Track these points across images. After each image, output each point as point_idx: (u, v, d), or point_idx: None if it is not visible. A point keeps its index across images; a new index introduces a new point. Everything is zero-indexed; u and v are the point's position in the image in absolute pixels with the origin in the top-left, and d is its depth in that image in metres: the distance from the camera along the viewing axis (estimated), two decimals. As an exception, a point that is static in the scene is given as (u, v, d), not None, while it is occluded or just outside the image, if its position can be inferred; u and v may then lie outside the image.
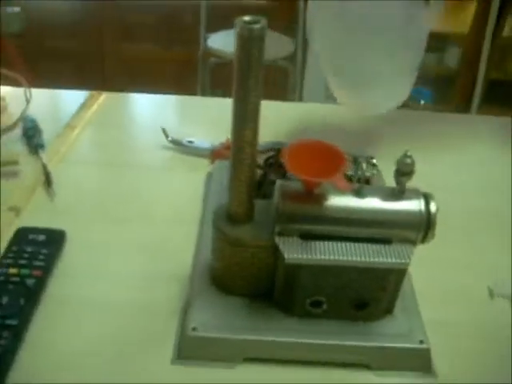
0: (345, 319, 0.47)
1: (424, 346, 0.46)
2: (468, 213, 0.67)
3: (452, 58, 2.45)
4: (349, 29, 0.53)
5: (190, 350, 0.46)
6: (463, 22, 2.35)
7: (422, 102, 2.40)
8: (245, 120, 0.40)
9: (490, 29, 2.17)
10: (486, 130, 0.87)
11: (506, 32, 2.24)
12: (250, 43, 0.36)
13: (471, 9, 2.30)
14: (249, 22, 0.36)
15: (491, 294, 0.55)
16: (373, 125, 0.84)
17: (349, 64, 0.55)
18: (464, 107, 2.34)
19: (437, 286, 0.55)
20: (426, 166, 0.71)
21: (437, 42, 2.44)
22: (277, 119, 0.82)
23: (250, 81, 0.38)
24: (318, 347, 0.46)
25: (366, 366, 0.46)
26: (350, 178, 0.48)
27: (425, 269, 0.54)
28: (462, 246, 0.61)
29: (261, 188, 0.56)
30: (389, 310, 0.48)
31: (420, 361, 0.46)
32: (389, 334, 0.46)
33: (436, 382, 0.46)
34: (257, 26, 0.36)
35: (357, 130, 0.83)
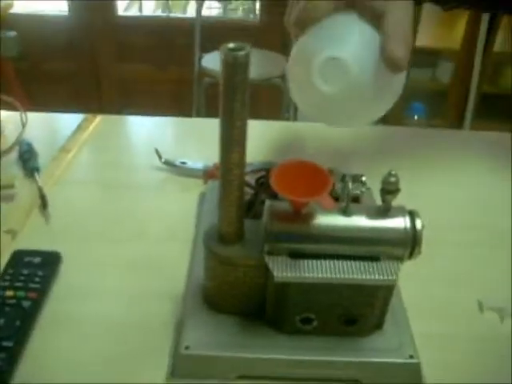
0: (335, 335, 0.48)
1: (414, 360, 0.46)
2: (458, 227, 0.68)
3: (444, 72, 2.48)
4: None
5: (183, 368, 0.46)
6: (455, 37, 2.38)
7: (416, 117, 2.43)
8: (232, 143, 0.41)
9: (481, 43, 2.20)
10: (478, 145, 0.89)
11: (496, 46, 2.27)
12: (234, 69, 0.38)
13: (462, 24, 2.33)
14: (233, 49, 0.38)
15: (481, 307, 0.56)
16: (365, 143, 0.86)
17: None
18: (457, 121, 2.37)
19: (427, 300, 0.56)
20: (417, 182, 0.73)
21: (429, 57, 2.48)
22: (268, 139, 0.83)
23: (235, 105, 0.39)
24: (309, 363, 0.46)
25: (357, 382, 0.47)
26: (337, 197, 0.49)
27: (415, 283, 0.55)
28: (451, 260, 0.62)
29: (252, 208, 0.58)
30: (379, 326, 0.49)
31: (410, 375, 0.47)
32: (379, 349, 0.47)
33: (426, 395, 0.47)
34: (241, 53, 0.37)
35: (349, 149, 0.85)
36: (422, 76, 2.50)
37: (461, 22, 2.34)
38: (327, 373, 0.47)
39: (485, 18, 2.16)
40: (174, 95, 2.66)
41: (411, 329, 0.49)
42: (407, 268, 0.50)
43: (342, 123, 0.56)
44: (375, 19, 0.50)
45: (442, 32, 2.46)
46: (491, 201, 0.73)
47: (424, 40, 2.34)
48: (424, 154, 0.84)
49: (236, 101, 0.39)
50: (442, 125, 2.45)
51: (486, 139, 0.91)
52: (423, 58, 2.43)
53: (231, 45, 0.38)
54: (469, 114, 2.30)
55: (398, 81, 0.52)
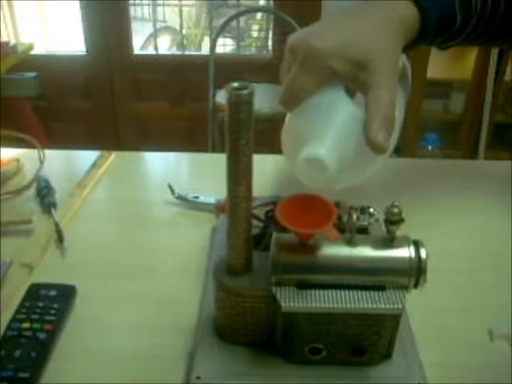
0: (344, 365, 0.48)
1: (423, 388, 0.47)
2: (467, 256, 0.69)
3: (457, 103, 2.50)
4: None
5: (194, 398, 0.47)
6: (466, 68, 2.41)
7: (430, 147, 2.43)
8: (238, 177, 0.43)
9: (492, 74, 2.22)
10: (488, 175, 0.89)
11: (507, 76, 2.29)
12: (238, 107, 0.40)
13: (473, 56, 2.36)
14: (237, 88, 0.40)
15: (491, 335, 0.56)
16: (376, 176, 0.87)
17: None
18: (471, 151, 2.37)
19: (437, 330, 0.56)
20: (426, 212, 0.74)
21: (442, 88, 2.50)
22: (279, 173, 0.85)
23: (240, 142, 0.41)
24: (318, 393, 0.47)
25: (366, 411, 0.47)
26: (344, 229, 0.50)
27: (424, 313, 0.56)
28: (460, 288, 0.63)
29: (261, 241, 0.59)
30: (387, 355, 0.49)
31: (419, 404, 0.47)
32: (388, 377, 0.48)
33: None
34: (245, 92, 0.39)
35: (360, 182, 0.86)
36: (435, 107, 2.53)
37: (471, 54, 2.37)
38: (336, 403, 0.47)
39: (494, 48, 2.18)
40: (190, 131, 2.70)
41: (420, 357, 0.50)
42: (416, 298, 0.51)
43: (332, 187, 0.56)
44: (361, 91, 0.50)
45: (454, 64, 2.48)
46: (499, 229, 0.74)
47: (436, 72, 2.37)
48: (434, 185, 0.85)
49: (241, 138, 0.41)
50: (455, 155, 2.46)
51: (497, 168, 0.91)
52: (436, 89, 2.46)
53: (235, 84, 0.40)
54: (482, 144, 2.31)
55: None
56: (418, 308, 0.54)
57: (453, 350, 0.54)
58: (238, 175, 0.42)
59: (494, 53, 2.20)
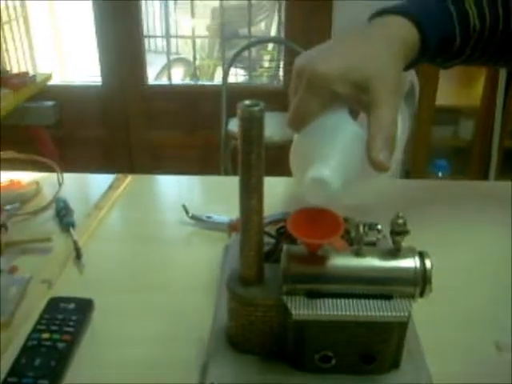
0: (354, 373, 0.50)
1: (430, 397, 0.48)
2: (475, 271, 0.70)
3: (466, 129, 2.52)
4: None
5: (208, 405, 0.49)
6: (474, 95, 2.44)
7: (440, 174, 2.45)
8: (250, 191, 0.45)
9: (501, 100, 2.25)
10: (497, 195, 0.91)
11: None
12: (250, 124, 0.42)
13: (481, 82, 2.39)
14: (249, 106, 0.42)
15: (498, 347, 0.57)
16: (384, 196, 0.89)
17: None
18: (481, 177, 2.38)
19: (444, 342, 0.57)
20: (435, 231, 0.76)
21: (451, 115, 2.53)
22: (290, 194, 0.87)
23: (252, 156, 0.43)
24: (328, 401, 0.48)
25: (375, 419, 0.48)
26: (351, 243, 0.52)
27: (432, 326, 0.57)
28: (468, 303, 0.64)
29: (273, 255, 0.61)
30: (396, 364, 0.50)
31: (427, 412, 0.48)
32: (396, 385, 0.49)
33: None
34: (256, 109, 0.42)
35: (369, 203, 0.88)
36: (444, 133, 2.55)
37: (479, 80, 2.40)
38: (346, 410, 0.48)
39: (503, 74, 2.21)
40: (202, 159, 2.75)
41: (428, 367, 0.51)
42: (423, 311, 0.53)
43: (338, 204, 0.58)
44: (364, 112, 0.52)
45: (462, 90, 2.52)
46: (505, 245, 0.75)
47: (445, 99, 2.40)
48: (442, 205, 0.87)
49: (253, 152, 0.43)
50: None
51: (505, 189, 0.93)
52: (445, 116, 2.49)
53: (247, 102, 0.43)
54: (492, 170, 2.32)
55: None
56: (425, 321, 0.56)
57: (460, 361, 0.56)
58: (250, 188, 0.45)
59: (502, 78, 2.23)
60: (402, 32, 0.55)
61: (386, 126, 0.50)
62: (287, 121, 0.55)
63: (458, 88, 2.51)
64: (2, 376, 0.50)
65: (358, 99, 0.52)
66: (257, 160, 0.44)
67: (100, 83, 2.75)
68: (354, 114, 0.55)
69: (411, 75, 0.64)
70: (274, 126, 1.92)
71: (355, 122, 0.54)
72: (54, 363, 0.52)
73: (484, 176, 2.39)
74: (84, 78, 2.98)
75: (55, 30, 3.40)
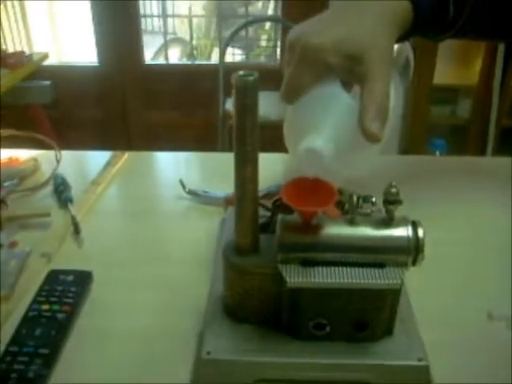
0: (347, 340, 0.51)
1: (423, 363, 0.49)
2: (468, 244, 0.71)
3: (464, 108, 2.52)
4: None
5: (205, 373, 0.50)
6: (472, 74, 2.43)
7: (438, 152, 2.45)
8: (245, 159, 0.46)
9: (498, 79, 2.24)
10: (494, 171, 0.92)
11: (513, 80, 2.31)
12: (245, 92, 0.43)
13: (479, 61, 2.38)
14: (244, 75, 0.43)
15: (490, 315, 0.58)
16: (381, 171, 0.90)
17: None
18: (478, 156, 2.39)
19: (437, 311, 0.59)
20: (432, 204, 0.77)
21: (448, 94, 2.53)
22: (283, 168, 0.88)
23: (247, 125, 0.44)
24: (322, 367, 0.49)
25: (369, 384, 0.49)
26: (346, 213, 0.53)
27: (425, 295, 0.58)
28: (461, 274, 0.65)
29: (269, 227, 0.62)
30: (388, 331, 0.51)
31: (419, 377, 0.49)
32: (389, 352, 0.50)
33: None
34: (250, 78, 0.42)
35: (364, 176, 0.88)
36: (442, 113, 2.55)
37: (477, 59, 2.40)
38: (339, 375, 0.49)
39: (500, 52, 2.21)
40: (200, 139, 2.74)
41: (420, 335, 0.52)
42: (417, 281, 0.54)
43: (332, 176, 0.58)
44: (357, 83, 0.52)
45: (460, 69, 2.51)
46: (501, 221, 0.76)
47: (442, 78, 2.39)
48: (439, 180, 0.87)
49: (247, 121, 0.44)
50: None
51: (502, 164, 0.93)
52: (442, 95, 2.48)
53: (241, 72, 0.43)
54: (489, 148, 2.33)
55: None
56: (418, 290, 0.57)
57: (452, 330, 0.57)
58: (245, 157, 0.45)
59: (500, 57, 2.22)
60: (395, 3, 0.55)
61: (378, 96, 0.51)
62: (280, 93, 0.55)
63: (455, 67, 2.51)
64: (3, 346, 0.51)
65: (350, 71, 0.52)
66: (251, 129, 0.44)
67: (97, 63, 2.73)
68: (348, 86, 0.55)
69: (407, 50, 0.64)
70: (270, 105, 1.91)
71: (348, 94, 0.54)
72: (54, 333, 0.53)
73: (481, 154, 2.39)
74: (80, 59, 2.96)
75: (51, 9, 3.37)
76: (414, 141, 2.45)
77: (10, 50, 2.59)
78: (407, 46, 0.64)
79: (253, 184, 0.47)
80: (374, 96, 0.50)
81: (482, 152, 2.40)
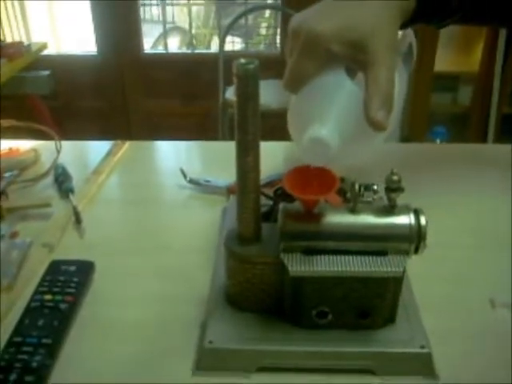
0: (350, 328, 0.51)
1: (425, 350, 0.49)
2: (471, 232, 0.71)
3: (465, 96, 2.51)
4: None
5: (207, 361, 0.50)
6: (473, 61, 2.42)
7: (438, 140, 2.45)
8: (246, 148, 0.45)
9: (499, 66, 2.23)
10: (495, 158, 0.91)
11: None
12: (246, 81, 0.42)
13: (479, 48, 2.37)
14: (244, 64, 0.42)
15: (492, 303, 0.58)
16: (383, 159, 0.89)
17: None
18: (480, 143, 2.38)
19: (440, 299, 0.59)
20: (434, 192, 0.77)
21: (449, 81, 2.52)
22: (288, 157, 0.88)
23: (248, 113, 0.43)
24: (325, 354, 0.49)
25: (371, 372, 0.49)
26: (347, 202, 0.53)
27: (428, 283, 0.59)
28: (464, 261, 0.65)
29: (271, 216, 0.62)
30: (391, 319, 0.52)
31: (422, 365, 0.49)
32: (391, 340, 0.50)
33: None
34: (251, 66, 0.42)
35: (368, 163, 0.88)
36: (443, 100, 2.54)
37: (478, 46, 2.39)
38: (342, 363, 0.50)
39: (501, 39, 2.20)
40: (200, 128, 2.74)
41: (423, 323, 0.52)
42: (420, 269, 0.54)
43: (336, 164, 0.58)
44: (361, 71, 0.52)
45: (461, 57, 2.50)
46: (502, 208, 0.76)
47: (443, 65, 2.38)
48: (440, 167, 0.87)
49: (249, 109, 0.44)
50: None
51: (503, 151, 0.93)
52: (443, 82, 2.47)
53: (242, 60, 0.43)
54: (490, 136, 2.32)
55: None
56: (420, 278, 0.57)
57: (455, 318, 0.57)
58: (247, 146, 0.45)
59: (501, 44, 2.21)
60: None
61: (383, 84, 0.50)
62: (283, 82, 0.54)
63: (456, 54, 2.50)
64: (7, 336, 0.51)
65: (354, 59, 0.52)
66: (252, 117, 0.44)
67: (96, 53, 2.72)
68: (352, 73, 0.55)
69: (410, 36, 0.64)
70: (271, 94, 1.91)
71: (352, 82, 0.54)
72: (57, 323, 0.53)
73: (482, 142, 2.39)
74: (78, 48, 2.94)
75: (49, -1, 3.35)
76: (414, 129, 2.44)
77: (9, 40, 2.58)
78: (410, 32, 0.63)
79: (254, 173, 0.47)
80: (378, 84, 0.50)
81: (482, 139, 2.40)
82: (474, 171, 0.87)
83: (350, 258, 0.48)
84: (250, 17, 2.96)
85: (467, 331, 0.55)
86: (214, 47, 3.26)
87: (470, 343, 0.54)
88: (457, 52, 2.47)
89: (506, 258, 0.64)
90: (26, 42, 2.35)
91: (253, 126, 0.44)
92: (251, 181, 0.47)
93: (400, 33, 0.58)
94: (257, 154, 0.46)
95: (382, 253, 0.48)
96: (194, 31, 3.26)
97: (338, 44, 0.51)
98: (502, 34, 2.21)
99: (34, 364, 0.48)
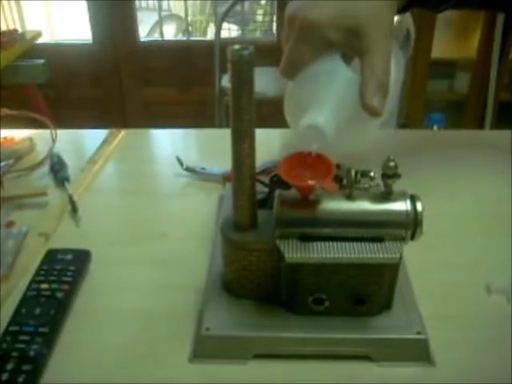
0: (346, 315, 0.51)
1: (421, 336, 0.49)
2: (469, 218, 0.71)
3: (462, 83, 2.50)
4: None
5: (204, 348, 0.50)
6: (470, 48, 2.41)
7: (436, 127, 2.45)
8: (242, 135, 0.45)
9: (496, 53, 2.23)
10: (493, 144, 0.91)
11: (512, 54, 2.30)
12: (241, 67, 0.42)
13: (477, 35, 2.36)
14: (239, 49, 0.42)
15: (488, 289, 0.58)
16: (380, 146, 0.89)
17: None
18: (476, 130, 2.38)
19: (436, 285, 0.59)
20: (431, 178, 0.77)
21: (446, 68, 2.51)
22: (285, 143, 0.88)
23: (243, 99, 0.43)
24: (321, 341, 0.50)
25: (368, 358, 0.50)
26: (344, 186, 0.53)
27: (424, 270, 0.59)
28: (460, 247, 0.65)
29: (267, 203, 0.61)
30: (387, 306, 0.52)
31: (418, 350, 0.49)
32: (388, 326, 0.50)
33: (435, 370, 0.49)
34: (246, 52, 0.42)
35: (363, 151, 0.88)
36: (440, 87, 2.53)
37: (475, 33, 2.37)
38: (339, 350, 0.50)
39: (499, 26, 2.19)
40: (196, 116, 2.73)
41: (419, 309, 0.52)
42: (417, 256, 0.54)
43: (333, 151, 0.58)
44: (357, 58, 0.52)
45: (458, 43, 2.49)
46: (500, 194, 0.76)
47: (440, 52, 2.37)
48: (438, 154, 0.87)
49: (244, 96, 0.43)
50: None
51: (501, 137, 0.93)
52: (440, 69, 2.46)
53: (237, 46, 0.42)
54: (487, 123, 2.32)
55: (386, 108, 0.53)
56: (417, 265, 0.57)
57: (451, 304, 0.57)
58: (241, 132, 0.45)
59: (499, 31, 2.20)
60: None
61: (379, 70, 0.50)
62: (280, 68, 0.54)
63: (453, 41, 2.48)
64: (4, 325, 0.51)
65: (350, 45, 0.51)
66: (248, 103, 0.44)
67: (91, 41, 2.70)
68: (348, 59, 0.54)
69: (408, 22, 0.63)
70: (267, 81, 1.91)
71: (348, 68, 0.53)
72: (54, 312, 0.53)
73: (479, 129, 2.39)
74: (73, 37, 2.92)
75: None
76: (411, 115, 2.44)
77: (3, 28, 2.55)
78: (408, 17, 0.63)
79: (250, 159, 0.47)
80: (374, 70, 0.50)
81: (479, 126, 2.39)
82: (470, 157, 0.87)
83: (347, 244, 0.48)
84: (246, 4, 2.94)
85: (463, 317, 0.55)
86: (210, 35, 3.24)
87: (466, 329, 0.54)
88: (454, 38, 2.46)
89: (502, 245, 0.65)
90: (20, 31, 2.33)
91: (248, 113, 0.44)
92: (247, 168, 0.47)
93: (396, 18, 0.58)
94: (252, 141, 0.46)
95: (379, 239, 0.48)
96: (190, 18, 3.24)
97: (334, 30, 0.51)
98: (500, 20, 2.20)
99: (31, 353, 0.48)
